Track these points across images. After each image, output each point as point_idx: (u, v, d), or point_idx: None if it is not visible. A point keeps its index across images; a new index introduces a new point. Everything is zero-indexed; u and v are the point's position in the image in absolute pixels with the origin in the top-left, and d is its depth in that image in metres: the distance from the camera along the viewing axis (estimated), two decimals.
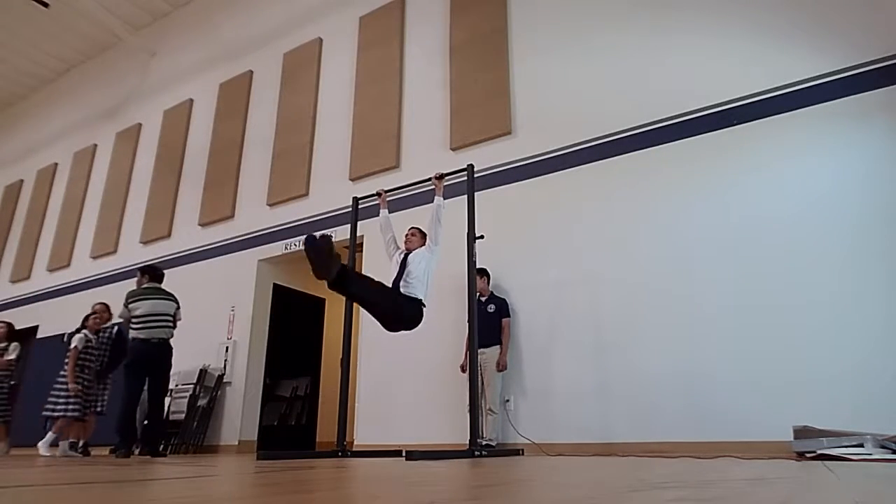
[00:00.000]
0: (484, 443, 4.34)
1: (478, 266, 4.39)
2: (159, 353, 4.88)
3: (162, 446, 5.40)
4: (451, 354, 5.06)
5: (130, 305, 4.99)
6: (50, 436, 5.37)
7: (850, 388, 3.60)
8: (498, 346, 4.77)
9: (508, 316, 4.89)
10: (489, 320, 4.77)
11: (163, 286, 5.23)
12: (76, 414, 5.32)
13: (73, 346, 5.38)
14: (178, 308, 5.13)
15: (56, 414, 5.32)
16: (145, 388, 4.98)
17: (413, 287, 3.81)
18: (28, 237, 10.67)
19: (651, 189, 4.72)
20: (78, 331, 5.59)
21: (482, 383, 4.56)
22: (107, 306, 5.90)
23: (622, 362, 4.41)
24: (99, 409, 5.61)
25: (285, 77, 7.83)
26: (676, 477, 1.71)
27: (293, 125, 7.43)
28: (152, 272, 5.33)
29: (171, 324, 5.00)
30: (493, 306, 4.87)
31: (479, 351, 4.27)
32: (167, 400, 5.96)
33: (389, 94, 6.62)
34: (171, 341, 5.06)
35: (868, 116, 4.05)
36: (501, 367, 4.74)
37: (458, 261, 4.45)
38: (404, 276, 3.84)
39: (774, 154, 4.30)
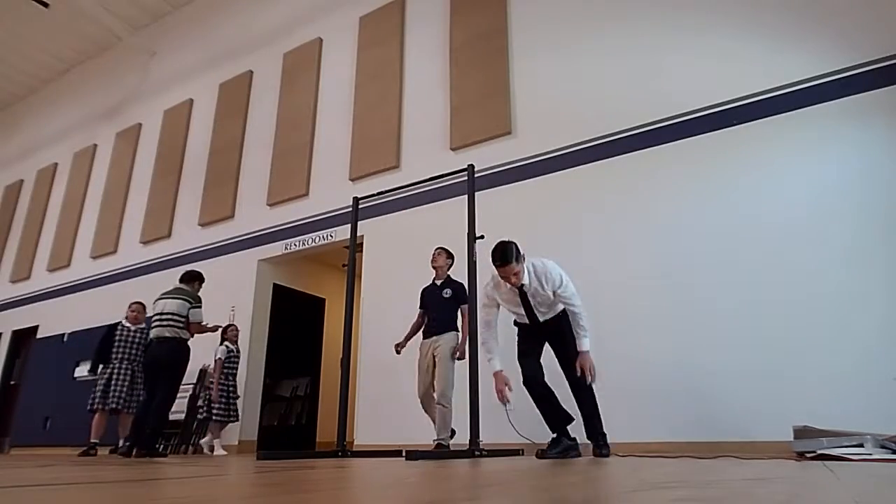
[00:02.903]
0: (435, 441, 4.19)
1: (475, 261, 4.27)
2: (161, 352, 4.89)
3: (162, 446, 5.39)
4: None
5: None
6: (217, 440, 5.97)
7: (850, 388, 3.59)
8: (453, 333, 4.46)
9: (466, 302, 4.43)
10: (444, 305, 4.48)
11: (184, 286, 5.25)
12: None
13: (217, 356, 5.98)
14: (193, 307, 5.06)
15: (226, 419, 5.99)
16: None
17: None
18: (28, 237, 10.66)
19: (651, 189, 4.72)
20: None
21: (431, 375, 4.36)
22: (143, 306, 6.25)
23: (622, 362, 4.40)
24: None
25: (285, 77, 7.83)
26: (676, 477, 1.71)
27: (293, 125, 7.43)
28: (183, 274, 5.45)
29: (176, 323, 4.94)
30: (448, 291, 4.52)
31: (431, 339, 4.38)
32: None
33: (389, 94, 6.62)
34: (189, 342, 5.09)
35: (868, 116, 4.05)
36: (461, 355, 4.38)
37: (458, 261, 4.45)
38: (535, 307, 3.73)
39: (774, 154, 4.30)
